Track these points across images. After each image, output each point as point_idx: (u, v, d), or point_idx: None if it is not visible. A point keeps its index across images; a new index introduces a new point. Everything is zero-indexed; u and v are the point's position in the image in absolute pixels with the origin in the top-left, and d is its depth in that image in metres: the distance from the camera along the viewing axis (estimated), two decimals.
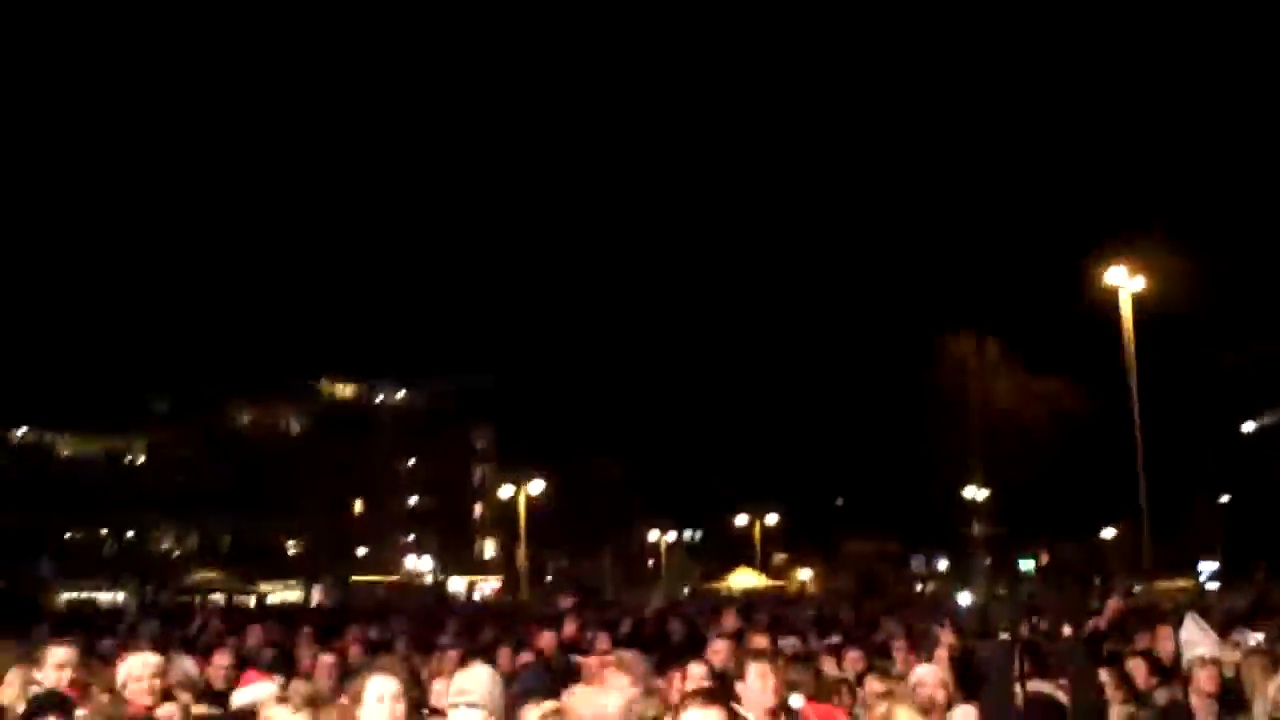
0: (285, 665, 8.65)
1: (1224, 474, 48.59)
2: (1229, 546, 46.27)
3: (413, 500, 71.31)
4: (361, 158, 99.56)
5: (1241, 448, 48.56)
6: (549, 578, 69.23)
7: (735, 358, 69.52)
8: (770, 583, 56.96)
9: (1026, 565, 52.92)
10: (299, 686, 6.67)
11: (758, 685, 5.32)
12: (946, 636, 8.33)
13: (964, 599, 28.76)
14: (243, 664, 8.27)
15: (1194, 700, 6.17)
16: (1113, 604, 8.14)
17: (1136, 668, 7.16)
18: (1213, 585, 38.50)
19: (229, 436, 64.44)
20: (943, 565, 67.60)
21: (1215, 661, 6.52)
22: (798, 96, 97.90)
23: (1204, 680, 6.27)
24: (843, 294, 70.15)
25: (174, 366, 60.39)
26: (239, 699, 6.16)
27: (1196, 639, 6.70)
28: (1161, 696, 6.81)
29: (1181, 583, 40.56)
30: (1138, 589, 34.86)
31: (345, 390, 71.18)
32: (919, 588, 52.41)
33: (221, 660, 8.08)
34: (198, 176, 77.57)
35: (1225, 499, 48.50)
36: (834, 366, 60.87)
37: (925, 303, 64.68)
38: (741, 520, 72.28)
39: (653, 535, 73.20)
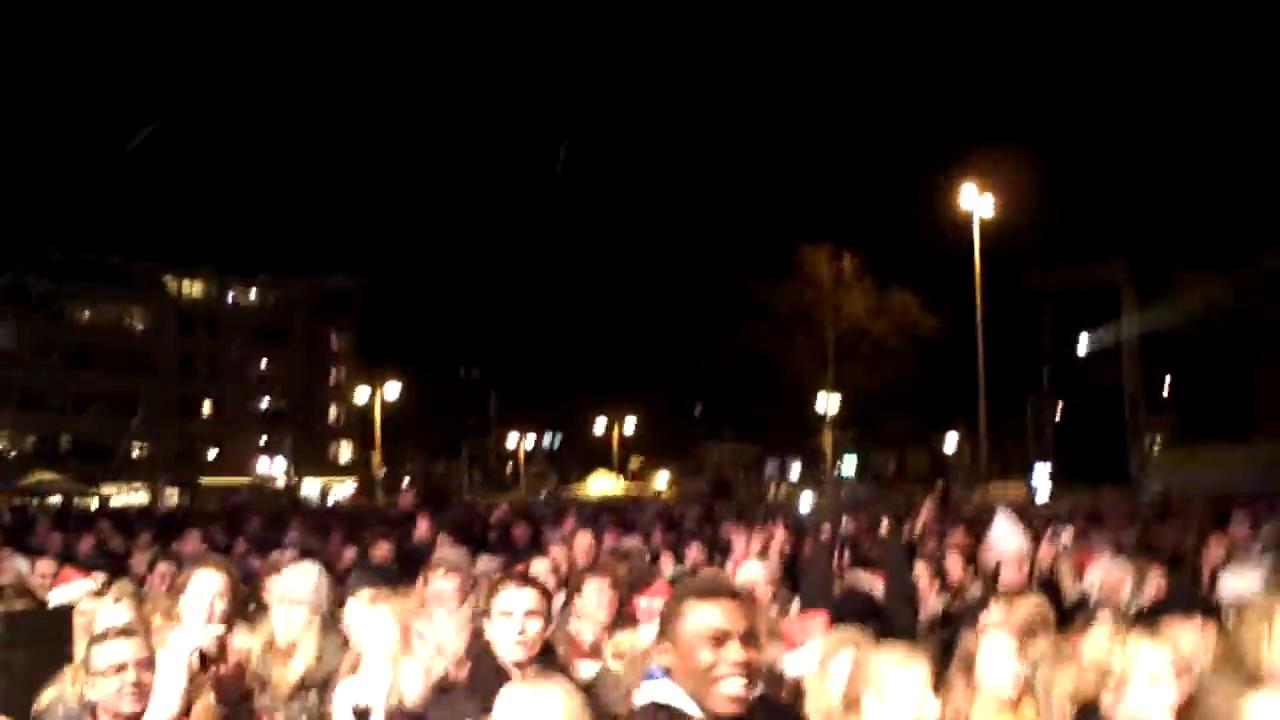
0: (117, 569, 8.31)
1: (1058, 387, 50.84)
2: (1059, 454, 48.62)
3: (265, 401, 69.74)
4: (223, 46, 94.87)
5: (1075, 362, 50.82)
6: (405, 481, 68.91)
7: (596, 265, 69.38)
8: (628, 487, 57.77)
9: (848, 468, 54.22)
10: (123, 584, 6.48)
11: (594, 600, 5.35)
12: (779, 534, 8.50)
13: (806, 500, 29.57)
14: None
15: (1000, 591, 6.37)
16: (927, 506, 8.36)
17: (953, 563, 7.41)
18: (1044, 490, 40.44)
19: (68, 332, 61.76)
20: (795, 471, 69.43)
21: (1024, 558, 6.79)
22: (663, 11, 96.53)
23: (1011, 575, 6.51)
24: (703, 204, 70.48)
25: (8, 257, 57.26)
26: (55, 598, 5.93)
27: (1006, 536, 6.95)
28: (976, 590, 7.10)
29: (1014, 487, 42.66)
30: (977, 492, 36.51)
31: (194, 287, 68.63)
32: (771, 492, 53.70)
33: (45, 568, 7.68)
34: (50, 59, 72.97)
35: (1058, 410, 50.81)
36: (694, 274, 61.35)
37: (784, 214, 65.50)
38: (600, 425, 72.82)
39: (511, 440, 73.21)
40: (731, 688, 2.69)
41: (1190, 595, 5.70)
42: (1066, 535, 9.38)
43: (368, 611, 4.55)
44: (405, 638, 4.48)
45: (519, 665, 3.99)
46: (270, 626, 4.97)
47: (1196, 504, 18.99)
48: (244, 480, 62.04)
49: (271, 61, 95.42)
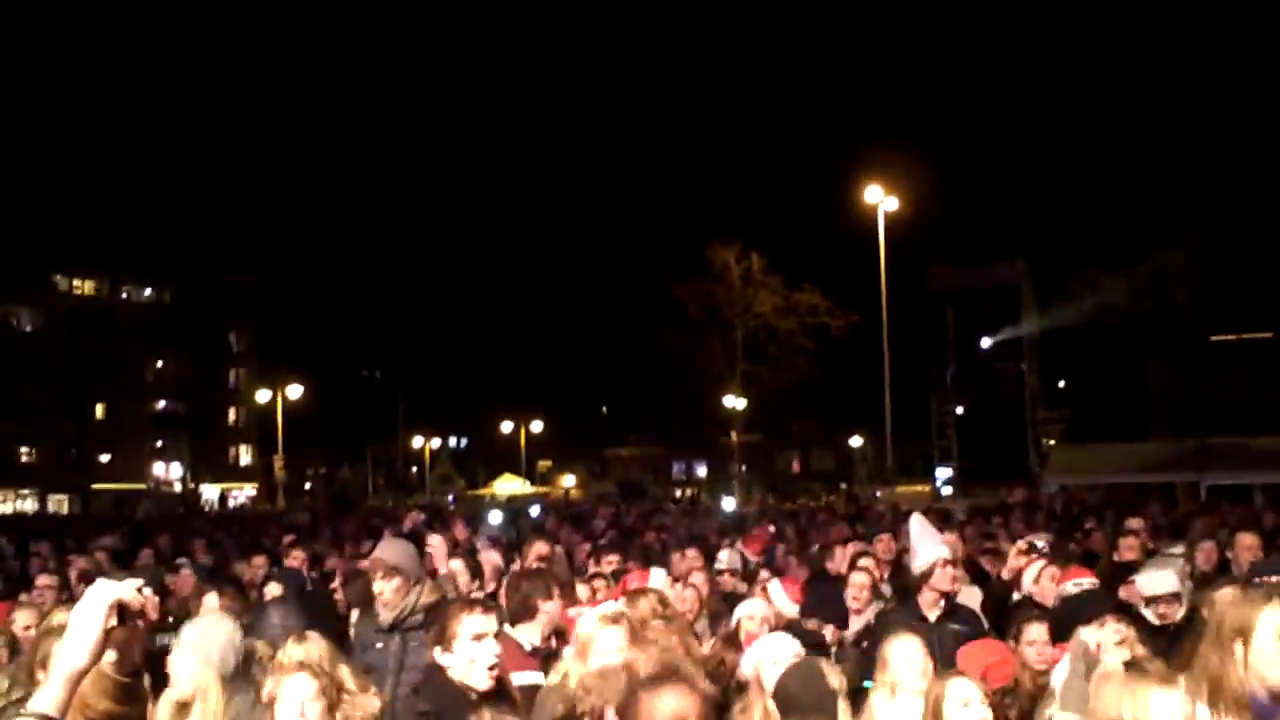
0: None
1: (960, 386, 51.84)
2: (962, 453, 49.58)
3: (160, 404, 67.74)
4: (115, 42, 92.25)
5: (976, 362, 51.85)
6: (308, 485, 67.61)
7: (502, 267, 69.06)
8: (535, 489, 57.41)
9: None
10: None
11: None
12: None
13: (727, 505, 29.67)
14: None
15: (924, 597, 6.37)
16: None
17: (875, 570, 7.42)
18: (947, 490, 41.26)
19: None
20: (702, 471, 69.79)
21: (952, 562, 6.77)
22: (572, 14, 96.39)
23: (943, 581, 6.48)
24: (612, 205, 70.58)
25: None
26: None
27: (925, 540, 6.91)
28: (887, 590, 7.14)
29: (920, 487, 43.42)
30: (880, 493, 37.10)
31: (84, 285, 66.33)
32: (679, 493, 53.88)
33: None
34: None
35: (960, 410, 51.78)
36: (601, 275, 61.36)
37: (692, 214, 65.78)
38: (507, 427, 72.33)
39: (417, 442, 72.25)
40: None
41: (1096, 600, 5.74)
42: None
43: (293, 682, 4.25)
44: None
45: (484, 696, 3.85)
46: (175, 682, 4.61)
47: (1099, 502, 19.50)
48: (139, 485, 60.23)
49: (164, 56, 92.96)
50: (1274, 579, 5.81)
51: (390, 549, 6.23)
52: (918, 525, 7.34)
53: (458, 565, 7.06)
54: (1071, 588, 6.38)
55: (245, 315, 69.04)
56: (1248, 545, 8.10)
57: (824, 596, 6.53)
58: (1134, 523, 11.23)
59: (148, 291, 68.83)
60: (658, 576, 6.28)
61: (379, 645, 5.66)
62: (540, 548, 8.60)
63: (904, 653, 4.16)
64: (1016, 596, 6.85)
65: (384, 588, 5.81)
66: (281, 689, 4.13)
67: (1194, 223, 41.82)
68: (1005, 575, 7.06)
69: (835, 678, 4.23)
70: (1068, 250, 50.23)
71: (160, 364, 67.44)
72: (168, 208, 73.45)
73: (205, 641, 4.71)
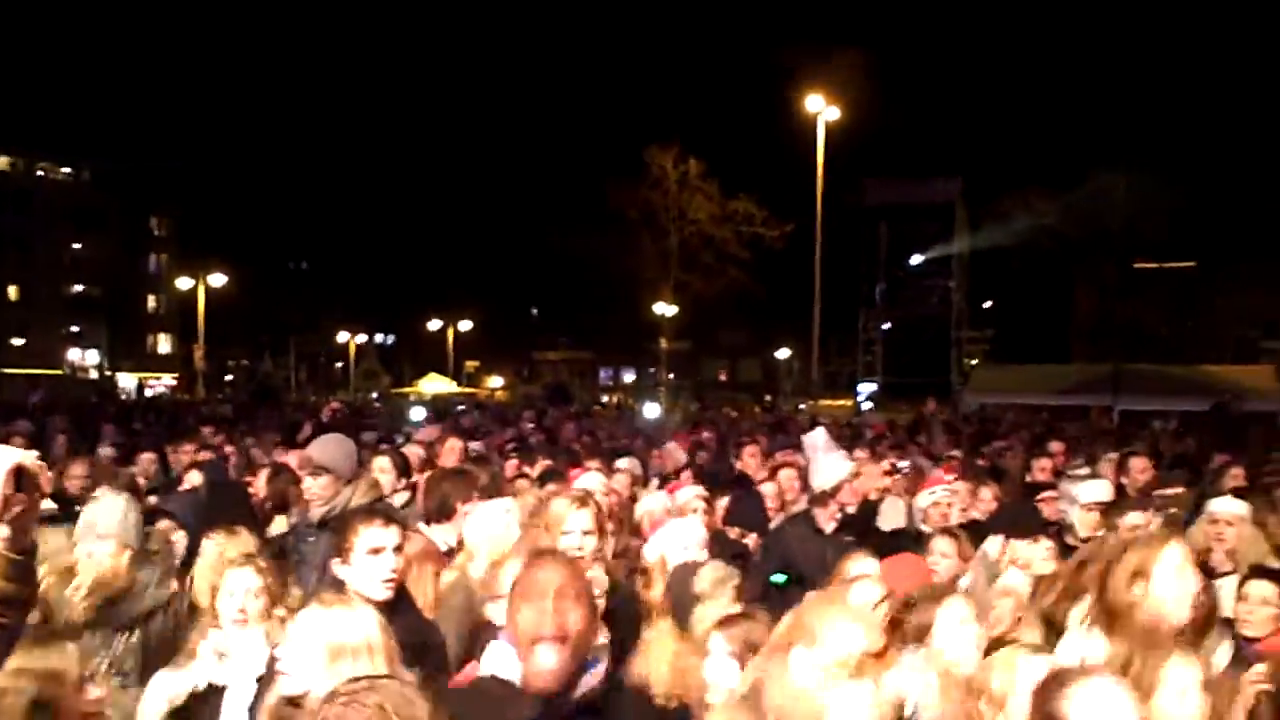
0: None
1: (889, 302, 52.24)
2: (886, 369, 50.17)
3: (78, 287, 65.85)
4: None
5: (906, 279, 52.20)
6: (229, 377, 66.63)
7: (437, 162, 67.77)
8: (461, 390, 57.13)
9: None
10: None
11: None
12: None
13: (650, 412, 29.78)
14: None
15: (823, 511, 6.41)
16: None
17: (788, 480, 7.42)
18: (868, 405, 41.76)
19: None
20: (630, 377, 70.02)
21: (854, 477, 6.86)
22: None
23: (844, 496, 6.57)
24: (550, 104, 69.34)
25: None
26: None
27: (829, 456, 6.96)
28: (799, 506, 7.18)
29: (842, 401, 43.94)
30: (803, 406, 37.44)
31: None
32: (605, 398, 53.97)
33: None
34: None
35: (887, 326, 52.27)
36: (535, 175, 60.54)
37: (629, 116, 64.91)
38: (435, 326, 71.64)
39: (342, 337, 71.32)
40: (544, 658, 2.62)
41: (1030, 516, 5.84)
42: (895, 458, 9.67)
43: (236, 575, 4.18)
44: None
45: (383, 606, 3.72)
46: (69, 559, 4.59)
47: (1017, 422, 19.83)
48: (54, 371, 58.83)
49: None
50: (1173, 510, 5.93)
51: (322, 447, 6.13)
52: (822, 440, 7.39)
53: (383, 462, 6.92)
54: (927, 496, 6.59)
55: (168, 200, 67.07)
56: (1139, 469, 8.36)
57: (745, 506, 6.56)
58: (1055, 446, 11.46)
59: (66, 171, 66.47)
60: (591, 479, 6.25)
61: (310, 540, 5.66)
62: (454, 444, 8.55)
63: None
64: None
65: (312, 485, 5.85)
66: (226, 581, 4.07)
67: (1127, 150, 42.18)
68: (872, 496, 7.20)
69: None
70: (1003, 171, 50.54)
71: (78, 246, 65.35)
72: (90, 87, 70.74)
73: (105, 518, 4.65)
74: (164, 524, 5.64)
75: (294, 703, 3.31)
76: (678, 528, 4.81)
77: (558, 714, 2.60)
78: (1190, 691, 3.19)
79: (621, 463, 8.81)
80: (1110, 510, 5.99)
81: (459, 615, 4.42)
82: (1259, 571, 4.72)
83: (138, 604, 4.48)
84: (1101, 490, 6.44)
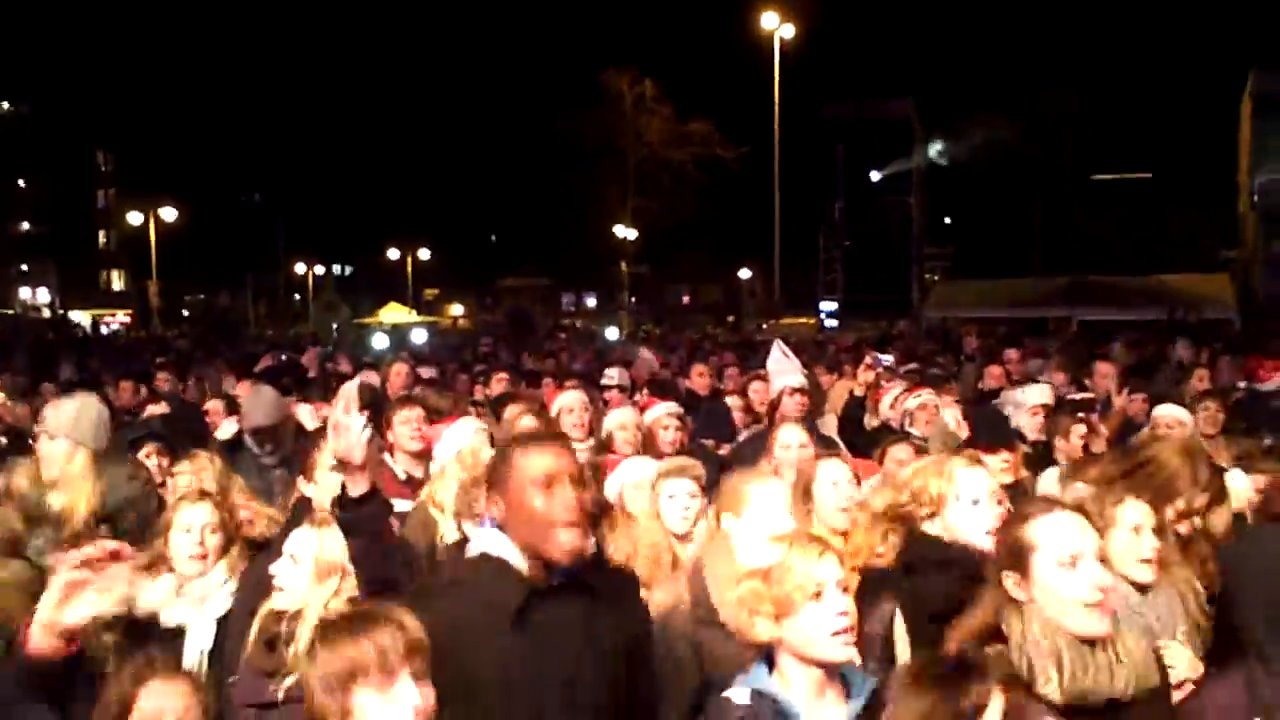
0: None
1: (849, 221, 52.32)
2: (847, 287, 50.39)
3: (25, 225, 64.51)
4: None
5: (866, 197, 52.26)
6: (185, 313, 65.79)
7: (390, 89, 66.54)
8: (422, 318, 56.76)
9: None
10: None
11: (406, 433, 5.40)
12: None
13: (610, 334, 29.75)
14: None
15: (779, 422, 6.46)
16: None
17: (757, 392, 7.47)
18: (832, 323, 41.97)
19: None
20: (592, 302, 69.86)
21: (802, 390, 6.88)
22: None
23: (791, 408, 6.61)
24: (506, 30, 68.10)
25: None
26: None
27: (783, 368, 7.01)
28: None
29: (805, 320, 44.11)
30: (766, 326, 37.55)
31: None
32: (568, 324, 53.87)
33: None
34: None
35: (847, 244, 52.39)
36: (490, 100, 59.66)
37: (584, 40, 63.98)
38: (394, 255, 70.94)
39: (300, 269, 70.47)
40: (566, 538, 2.64)
41: (999, 426, 5.89)
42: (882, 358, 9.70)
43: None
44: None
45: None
46: (39, 462, 4.66)
47: (973, 333, 19.94)
48: (5, 310, 57.86)
49: None
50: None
51: (250, 412, 6.15)
52: (775, 354, 7.45)
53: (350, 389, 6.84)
54: (912, 400, 6.65)
55: (113, 134, 65.56)
56: (1104, 374, 8.59)
57: (714, 419, 6.68)
58: (1011, 354, 11.56)
59: (5, 107, 64.71)
60: (569, 398, 6.27)
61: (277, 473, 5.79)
62: (400, 368, 8.52)
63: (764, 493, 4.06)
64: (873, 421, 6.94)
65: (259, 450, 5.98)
66: (180, 516, 4.00)
67: (1081, 66, 42.17)
68: (858, 391, 7.14)
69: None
70: (959, 88, 50.44)
71: (22, 184, 63.88)
72: (25, 21, 68.50)
73: (71, 419, 4.67)
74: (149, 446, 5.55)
75: (283, 616, 3.39)
76: (634, 465, 4.78)
77: (554, 589, 2.67)
78: (1144, 530, 3.34)
79: (611, 371, 8.84)
80: (1054, 413, 6.16)
81: (419, 533, 4.45)
82: None
83: (115, 501, 4.55)
84: (1043, 394, 6.65)
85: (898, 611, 3.24)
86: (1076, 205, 48.41)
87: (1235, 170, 52.59)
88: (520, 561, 2.68)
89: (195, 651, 3.76)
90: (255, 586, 3.70)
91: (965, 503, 3.43)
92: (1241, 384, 9.75)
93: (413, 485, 5.10)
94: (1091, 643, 2.66)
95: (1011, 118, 44.93)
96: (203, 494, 4.20)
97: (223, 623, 3.79)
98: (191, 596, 3.86)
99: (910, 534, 3.52)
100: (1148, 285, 33.45)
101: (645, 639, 3.09)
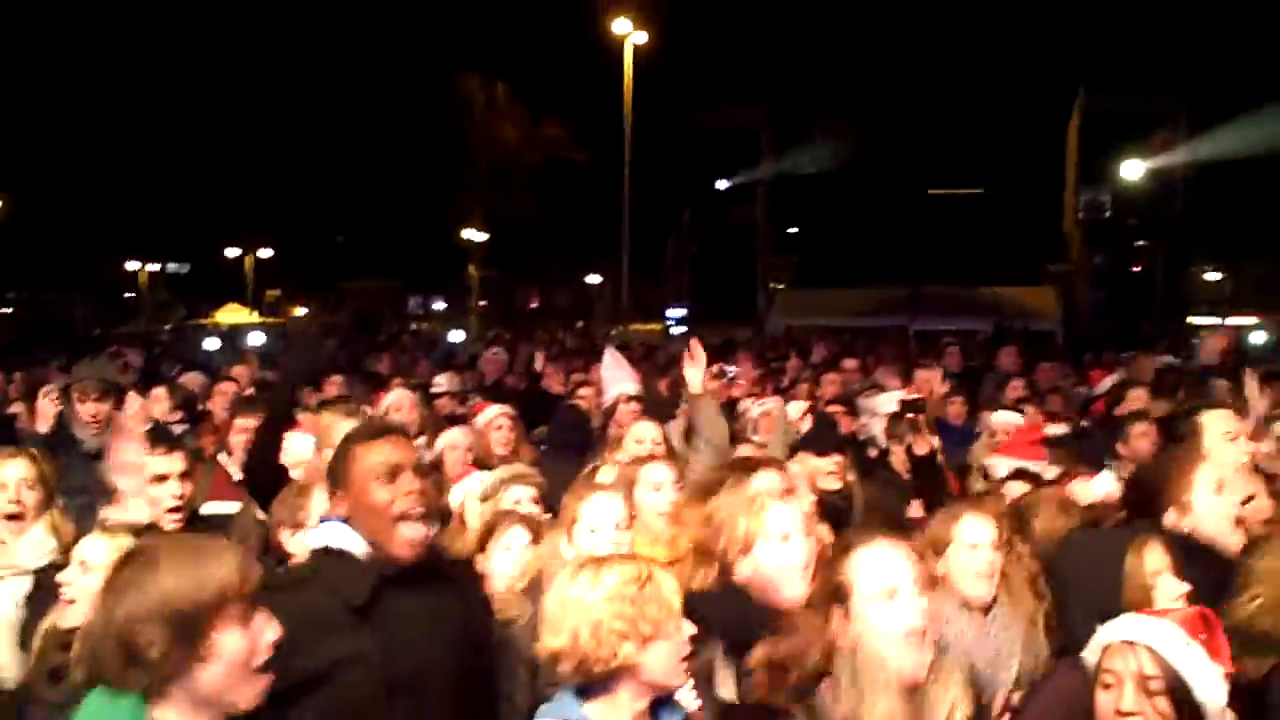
0: None
1: (698, 228, 52.99)
2: (695, 294, 51.02)
3: None
4: None
5: (715, 204, 53.00)
6: (9, 310, 62.43)
7: (234, 84, 64.35)
8: (263, 320, 55.14)
9: None
10: None
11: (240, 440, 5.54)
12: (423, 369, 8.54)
13: (455, 337, 29.46)
14: None
15: (612, 431, 6.56)
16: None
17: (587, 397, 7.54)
18: (679, 329, 42.37)
19: None
20: (440, 305, 69.07)
21: (637, 398, 7.00)
22: None
23: (627, 416, 6.71)
24: (350, 28, 66.66)
25: None
26: None
27: (617, 376, 7.10)
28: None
29: (653, 326, 44.47)
30: (615, 331, 37.70)
31: None
32: (414, 327, 53.07)
33: None
34: None
35: (696, 251, 53.04)
36: (340, 100, 58.41)
37: (434, 41, 63.15)
38: (233, 254, 68.72)
39: (131, 266, 67.59)
40: (411, 531, 2.68)
41: (827, 432, 6.02)
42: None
43: None
44: None
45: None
46: None
47: (821, 341, 20.40)
48: None
49: None
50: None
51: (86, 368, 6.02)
52: (608, 360, 7.54)
53: (159, 391, 6.65)
54: (758, 406, 6.85)
55: None
56: (923, 379, 8.88)
57: (566, 425, 6.79)
58: (848, 363, 11.89)
59: None
60: (397, 396, 6.25)
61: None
62: (240, 370, 8.28)
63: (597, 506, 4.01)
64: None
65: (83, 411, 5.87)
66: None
67: (920, 83, 43.69)
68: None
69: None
70: (806, 99, 51.49)
71: None
72: None
73: None
74: None
75: (70, 632, 3.22)
76: (476, 479, 4.90)
77: (400, 579, 2.71)
78: (981, 546, 3.40)
79: (439, 379, 8.75)
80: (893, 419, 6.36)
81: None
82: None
83: None
84: (893, 401, 6.84)
85: (719, 649, 3.20)
86: (914, 218, 50.12)
87: (1062, 188, 55.14)
88: (365, 553, 2.69)
89: (8, 607, 3.58)
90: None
91: (775, 539, 3.39)
92: (1080, 389, 10.37)
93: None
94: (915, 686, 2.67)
95: (855, 130, 46.25)
96: (18, 450, 4.04)
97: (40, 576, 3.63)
98: (9, 552, 3.69)
99: (721, 576, 3.43)
100: (979, 296, 34.91)
101: (489, 630, 3.11)
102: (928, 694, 2.73)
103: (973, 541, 3.48)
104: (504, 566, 3.95)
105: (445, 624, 2.74)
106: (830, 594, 2.80)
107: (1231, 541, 3.61)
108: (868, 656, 2.65)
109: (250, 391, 7.80)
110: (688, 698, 2.91)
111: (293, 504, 4.12)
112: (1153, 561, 3.17)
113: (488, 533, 4.04)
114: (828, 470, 5.30)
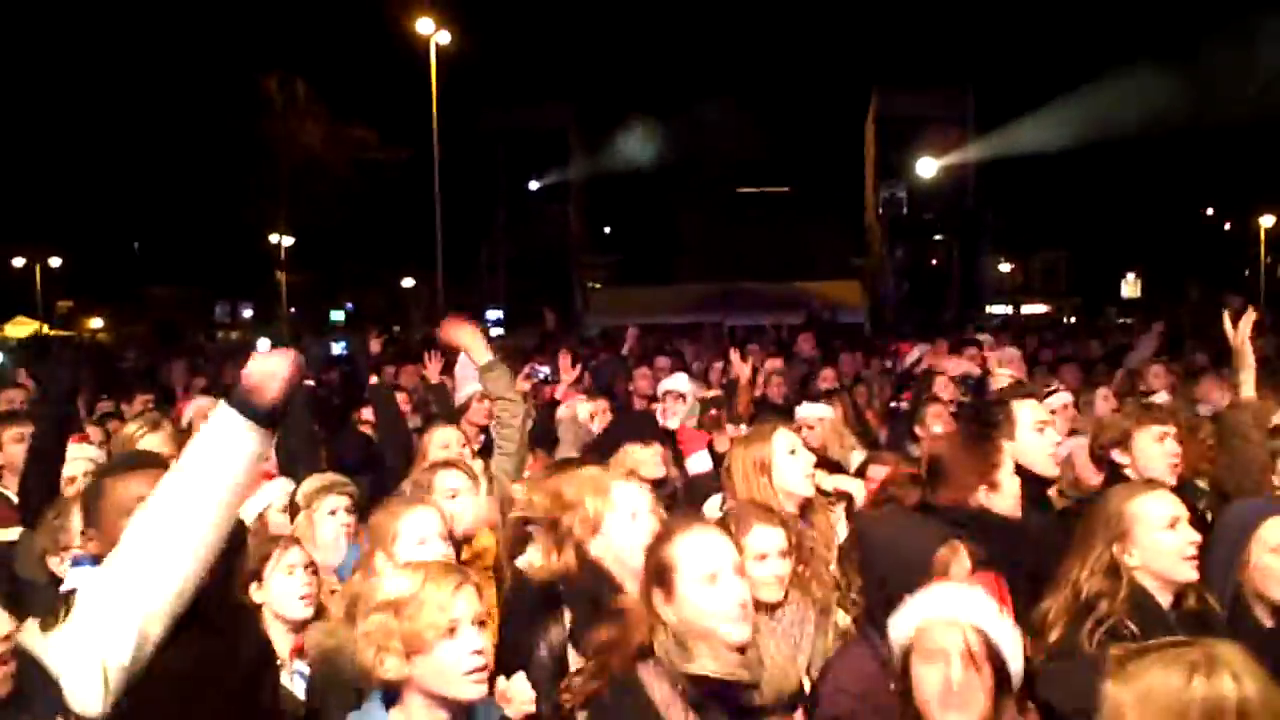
0: None
1: (510, 229, 52.75)
2: (511, 295, 50.82)
3: None
4: None
5: (527, 205, 52.89)
6: None
7: (15, 84, 60.39)
8: (55, 332, 52.13)
9: (337, 315, 54.14)
10: None
11: None
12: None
13: (264, 345, 28.50)
14: None
15: (464, 429, 6.55)
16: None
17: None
18: (497, 330, 42.13)
19: None
20: (248, 313, 66.79)
21: (486, 396, 7.00)
22: None
23: (479, 415, 6.77)
24: (144, 26, 63.61)
25: None
26: None
27: (469, 374, 7.13)
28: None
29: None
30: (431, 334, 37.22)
31: None
32: (221, 335, 51.16)
33: None
34: None
35: (511, 252, 52.81)
36: (129, 97, 55.66)
37: (233, 41, 60.86)
38: (19, 263, 64.66)
39: None
40: None
41: (646, 423, 6.15)
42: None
43: None
44: None
45: None
46: None
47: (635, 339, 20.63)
48: None
49: None
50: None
51: None
52: (463, 359, 7.56)
53: None
54: (564, 409, 6.98)
55: None
56: (772, 370, 9.31)
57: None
58: (660, 361, 12.13)
59: None
60: (203, 404, 6.00)
61: None
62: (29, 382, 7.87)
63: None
64: None
65: None
66: None
67: (726, 83, 44.64)
68: None
69: None
70: (615, 98, 51.88)
71: None
72: None
73: None
74: None
75: None
76: (279, 485, 4.74)
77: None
78: (770, 556, 3.49)
79: None
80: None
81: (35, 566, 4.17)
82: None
83: None
84: (681, 382, 7.65)
85: (568, 637, 3.24)
86: (725, 216, 51.17)
87: (863, 185, 57.25)
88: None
89: None
90: None
91: (624, 516, 3.45)
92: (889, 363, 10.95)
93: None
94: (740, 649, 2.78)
95: (664, 129, 46.89)
96: None
97: None
98: None
99: (578, 554, 3.47)
100: (790, 291, 35.94)
101: (269, 670, 2.89)
102: (758, 645, 2.85)
103: (761, 551, 3.53)
104: (289, 588, 3.71)
105: (219, 672, 2.45)
106: (654, 576, 2.85)
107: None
108: (693, 632, 2.75)
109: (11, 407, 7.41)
110: (522, 693, 2.97)
111: (52, 527, 3.89)
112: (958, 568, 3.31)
113: (262, 561, 3.75)
114: (653, 461, 5.42)
